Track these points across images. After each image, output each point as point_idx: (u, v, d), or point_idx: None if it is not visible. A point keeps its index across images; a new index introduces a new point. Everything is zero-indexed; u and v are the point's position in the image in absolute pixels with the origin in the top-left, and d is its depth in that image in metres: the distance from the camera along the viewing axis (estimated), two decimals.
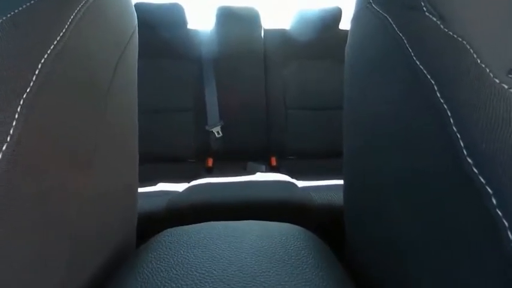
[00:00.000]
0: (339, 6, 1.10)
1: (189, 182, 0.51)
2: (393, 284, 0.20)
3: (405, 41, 0.19)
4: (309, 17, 1.09)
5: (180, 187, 0.49)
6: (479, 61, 0.16)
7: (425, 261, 0.16)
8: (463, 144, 0.14)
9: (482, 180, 0.13)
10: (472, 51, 0.16)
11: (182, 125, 1.09)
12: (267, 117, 1.12)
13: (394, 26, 0.20)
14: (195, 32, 1.11)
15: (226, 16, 1.08)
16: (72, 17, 0.18)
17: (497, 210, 0.12)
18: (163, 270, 0.21)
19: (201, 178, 0.52)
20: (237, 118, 1.11)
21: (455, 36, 0.17)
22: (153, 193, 0.48)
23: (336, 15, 1.09)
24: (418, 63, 0.17)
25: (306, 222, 0.34)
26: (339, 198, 0.44)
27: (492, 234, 0.12)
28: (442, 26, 0.18)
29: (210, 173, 1.08)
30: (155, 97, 1.06)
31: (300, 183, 0.51)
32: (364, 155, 0.24)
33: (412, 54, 0.18)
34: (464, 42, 0.16)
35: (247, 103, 1.11)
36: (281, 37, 1.14)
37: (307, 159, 1.14)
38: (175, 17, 1.05)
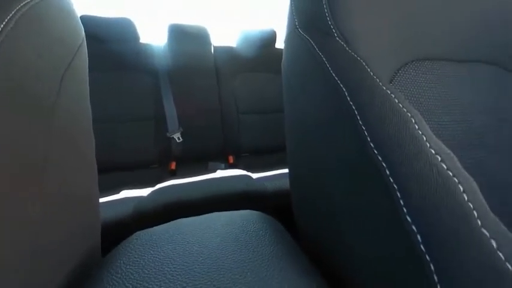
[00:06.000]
0: (274, 29, 1.27)
1: (153, 187, 0.50)
2: (334, 249, 0.22)
3: (324, 59, 0.21)
4: (250, 37, 1.23)
5: (144, 192, 0.49)
6: (372, 74, 0.19)
7: (355, 229, 0.18)
8: (367, 134, 0.16)
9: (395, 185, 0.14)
10: (367, 67, 0.19)
11: (144, 134, 1.08)
12: (222, 121, 1.19)
13: (315, 47, 0.22)
14: (148, 46, 1.13)
15: (178, 33, 1.13)
16: (2, 26, 0.17)
17: (421, 246, 0.13)
18: (135, 272, 0.21)
19: (165, 181, 0.52)
20: (195, 124, 1.14)
21: (355, 56, 0.20)
22: (118, 201, 0.46)
23: (272, 36, 1.26)
24: (334, 75, 0.19)
25: (263, 207, 0.35)
26: (287, 184, 0.47)
27: (413, 256, 0.13)
28: (347, 48, 0.20)
29: (173, 175, 1.08)
30: (115, 108, 1.04)
31: (255, 175, 0.54)
32: (301, 149, 0.26)
33: (330, 69, 0.20)
34: (362, 61, 0.20)
35: (204, 110, 1.15)
36: (229, 53, 1.24)
37: (260, 155, 1.22)
38: (125, 31, 1.05)
